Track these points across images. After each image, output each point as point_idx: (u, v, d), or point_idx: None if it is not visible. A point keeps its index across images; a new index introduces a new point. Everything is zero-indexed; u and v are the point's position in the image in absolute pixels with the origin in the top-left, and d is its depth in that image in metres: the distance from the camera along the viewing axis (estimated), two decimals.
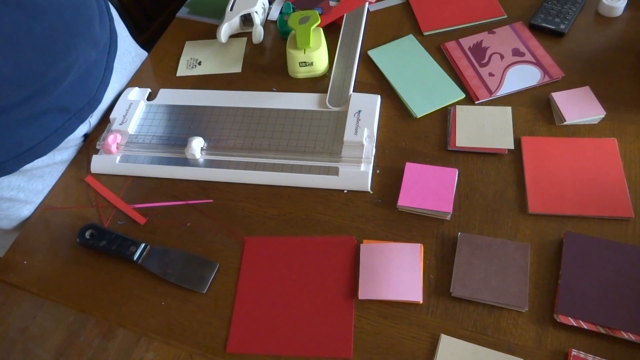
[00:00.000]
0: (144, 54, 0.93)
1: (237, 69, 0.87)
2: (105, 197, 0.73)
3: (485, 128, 0.72)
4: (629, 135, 0.69)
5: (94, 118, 0.81)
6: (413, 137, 0.74)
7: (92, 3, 0.71)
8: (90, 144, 0.80)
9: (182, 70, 0.89)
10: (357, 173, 0.69)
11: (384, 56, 0.83)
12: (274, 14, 0.95)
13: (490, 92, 0.75)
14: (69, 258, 0.69)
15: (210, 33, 0.93)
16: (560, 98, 0.73)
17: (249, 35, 0.91)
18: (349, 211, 0.68)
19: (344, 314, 0.60)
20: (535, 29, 0.82)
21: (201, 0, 1.01)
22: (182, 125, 0.79)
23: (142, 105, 0.82)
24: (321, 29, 0.83)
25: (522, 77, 0.76)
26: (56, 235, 0.71)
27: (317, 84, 0.83)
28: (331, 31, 0.88)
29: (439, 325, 0.58)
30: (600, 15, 0.83)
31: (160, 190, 0.73)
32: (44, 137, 0.71)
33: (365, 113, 0.74)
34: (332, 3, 0.92)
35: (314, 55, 0.80)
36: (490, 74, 0.77)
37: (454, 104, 0.76)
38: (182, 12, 0.99)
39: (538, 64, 0.78)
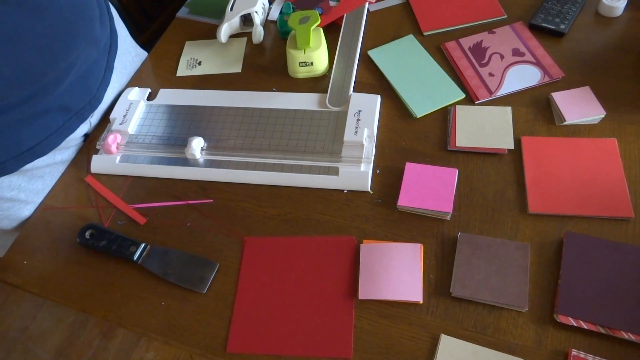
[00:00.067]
0: (143, 53, 0.93)
1: (237, 69, 0.87)
2: (105, 197, 0.73)
3: (485, 128, 0.72)
4: (629, 135, 0.69)
5: (94, 118, 0.81)
6: (413, 137, 0.74)
7: (93, 3, 0.71)
8: (90, 144, 0.80)
9: (182, 70, 0.89)
10: (357, 173, 0.69)
11: (384, 56, 0.83)
12: (274, 14, 0.95)
13: (490, 92, 0.75)
14: (69, 258, 0.69)
15: (210, 33, 0.93)
16: (560, 98, 0.73)
17: (249, 35, 0.91)
18: (349, 211, 0.68)
19: (344, 314, 0.60)
20: (535, 29, 0.82)
21: (201, 0, 1.01)
22: (182, 125, 0.79)
23: (142, 105, 0.82)
24: (321, 29, 0.83)
25: (522, 77, 0.76)
26: (56, 235, 0.71)
27: (317, 84, 0.83)
28: (331, 31, 0.88)
29: (439, 325, 0.58)
30: (600, 15, 0.83)
31: (160, 190, 0.73)
32: (45, 137, 0.71)
33: (365, 113, 0.74)
34: (332, 3, 0.92)
35: (314, 55, 0.80)
36: (490, 74, 0.77)
37: (454, 104, 0.76)
38: (182, 12, 0.99)
39: (538, 64, 0.78)
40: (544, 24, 0.82)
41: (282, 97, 0.80)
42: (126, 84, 0.88)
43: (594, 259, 0.58)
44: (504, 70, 0.78)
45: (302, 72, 0.82)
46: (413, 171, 0.69)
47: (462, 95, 0.76)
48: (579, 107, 0.71)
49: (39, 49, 0.61)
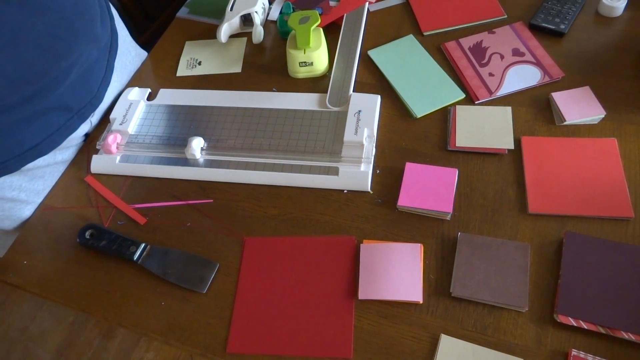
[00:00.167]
0: (143, 53, 0.93)
1: (237, 69, 0.87)
2: (105, 197, 0.73)
3: (485, 128, 0.72)
4: (629, 135, 0.69)
5: (94, 117, 0.81)
6: (413, 137, 0.74)
7: (94, 2, 0.71)
8: (91, 144, 0.80)
9: (182, 70, 0.89)
10: (357, 173, 0.69)
11: (384, 56, 0.83)
12: (274, 14, 0.95)
13: (490, 92, 0.75)
14: (69, 258, 0.69)
15: (210, 33, 0.93)
16: (560, 98, 0.73)
17: (249, 35, 0.91)
18: (349, 211, 0.68)
19: (344, 314, 0.60)
20: (535, 29, 0.82)
21: (201, 0, 1.01)
22: (182, 125, 0.79)
23: (142, 105, 0.82)
24: (321, 29, 0.83)
25: (522, 77, 0.76)
26: (56, 235, 0.71)
27: (317, 84, 0.83)
28: (331, 31, 0.88)
29: (439, 325, 0.58)
30: (600, 15, 0.83)
31: (160, 190, 0.73)
32: (46, 136, 0.72)
33: (365, 113, 0.74)
34: (332, 3, 0.92)
35: (314, 55, 0.80)
36: (490, 74, 0.77)
37: (454, 104, 0.76)
38: (182, 12, 0.99)
39: (538, 64, 0.78)
40: (544, 24, 0.82)
41: (282, 97, 0.80)
42: (126, 84, 0.88)
43: (594, 259, 0.58)
44: (504, 70, 0.78)
45: (302, 72, 0.82)
46: (413, 171, 0.69)
47: (462, 95, 0.76)
48: (579, 107, 0.71)
49: (40, 48, 0.61)
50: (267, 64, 0.87)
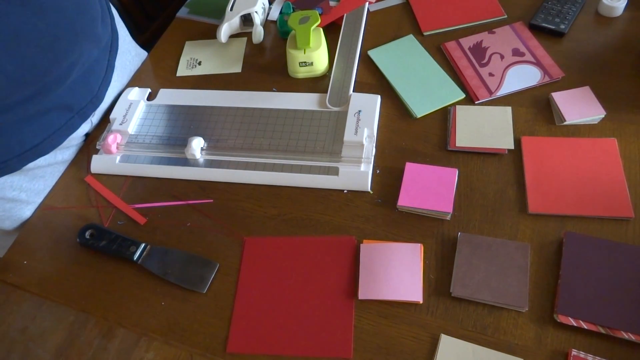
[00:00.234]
0: (143, 53, 0.93)
1: (237, 69, 0.87)
2: (105, 197, 0.74)
3: (485, 128, 0.72)
4: (629, 135, 0.69)
5: (95, 117, 0.81)
6: (413, 137, 0.74)
7: (95, 2, 0.71)
8: (91, 144, 0.80)
9: (182, 70, 0.89)
10: (357, 173, 0.69)
11: (384, 56, 0.83)
12: (274, 14, 0.95)
13: (490, 92, 0.75)
14: (69, 258, 0.69)
15: (210, 33, 0.93)
16: (560, 98, 0.73)
17: (249, 35, 0.91)
18: (349, 211, 0.68)
19: (344, 314, 0.60)
20: (535, 29, 0.82)
21: (201, 0, 1.01)
22: (182, 125, 0.79)
23: (142, 105, 0.82)
24: (321, 29, 0.83)
25: (522, 77, 0.76)
26: (56, 235, 0.71)
27: (317, 84, 0.83)
28: (331, 31, 0.88)
29: (439, 325, 0.58)
30: (600, 15, 0.83)
31: (160, 190, 0.73)
32: (47, 135, 0.72)
33: (365, 113, 0.74)
34: (332, 3, 0.92)
35: (314, 55, 0.80)
36: (490, 74, 0.77)
37: (454, 104, 0.76)
38: (182, 12, 0.99)
39: (538, 64, 0.78)
40: (544, 24, 0.82)
41: (282, 97, 0.80)
42: (126, 84, 0.88)
43: (594, 259, 0.58)
44: (504, 70, 0.78)
45: (302, 72, 0.82)
46: (413, 171, 0.69)
47: (462, 95, 0.76)
48: (579, 107, 0.71)
49: (41, 48, 0.61)
50: (267, 64, 0.87)
